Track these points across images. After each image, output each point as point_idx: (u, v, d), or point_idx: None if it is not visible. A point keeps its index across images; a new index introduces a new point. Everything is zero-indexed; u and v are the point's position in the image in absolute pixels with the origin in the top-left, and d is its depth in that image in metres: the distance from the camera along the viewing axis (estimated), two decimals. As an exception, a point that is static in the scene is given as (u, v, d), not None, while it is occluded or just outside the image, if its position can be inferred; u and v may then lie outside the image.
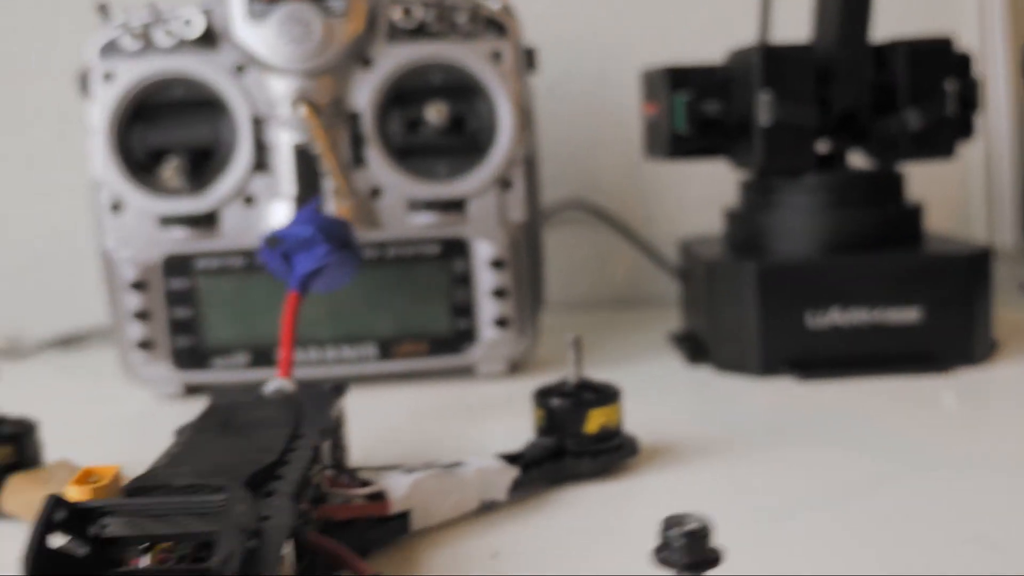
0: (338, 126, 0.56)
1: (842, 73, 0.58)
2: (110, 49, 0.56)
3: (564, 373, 0.43)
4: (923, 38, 0.58)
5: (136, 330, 0.57)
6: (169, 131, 0.56)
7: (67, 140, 0.79)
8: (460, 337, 0.58)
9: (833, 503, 0.38)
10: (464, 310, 0.58)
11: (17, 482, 0.42)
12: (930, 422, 0.48)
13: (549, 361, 0.61)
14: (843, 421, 0.48)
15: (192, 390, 0.59)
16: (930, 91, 0.58)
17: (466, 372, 0.60)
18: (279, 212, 0.56)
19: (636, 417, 0.45)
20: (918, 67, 0.58)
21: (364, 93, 0.56)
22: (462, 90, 0.57)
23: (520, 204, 0.58)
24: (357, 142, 0.57)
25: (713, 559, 0.22)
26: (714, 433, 0.47)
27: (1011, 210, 0.82)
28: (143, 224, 0.56)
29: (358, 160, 0.57)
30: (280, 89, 0.55)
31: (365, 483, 0.36)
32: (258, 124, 0.56)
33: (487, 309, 0.58)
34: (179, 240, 0.56)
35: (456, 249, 0.58)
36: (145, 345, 0.57)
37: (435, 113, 0.56)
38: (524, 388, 0.57)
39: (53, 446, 0.44)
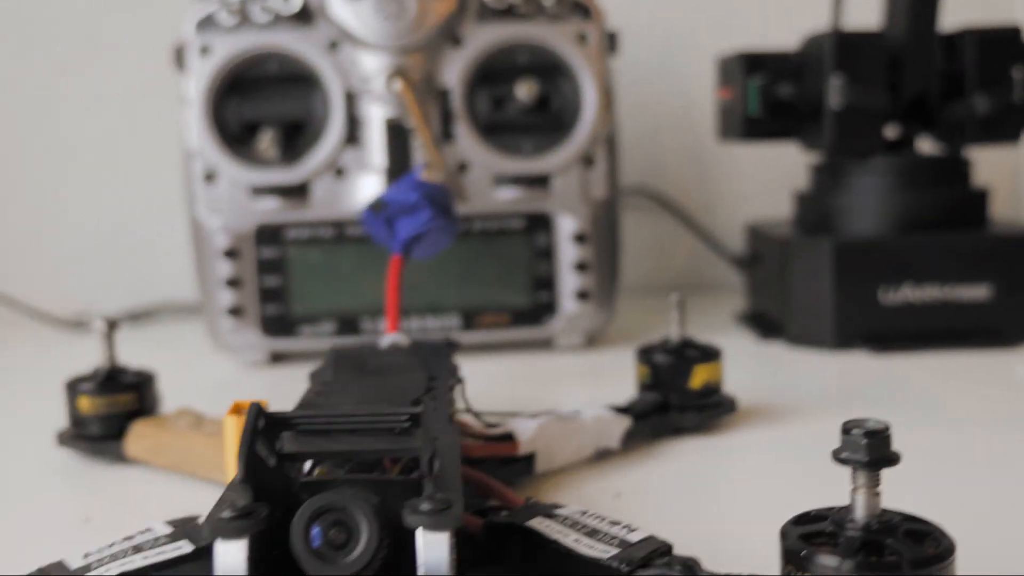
0: (429, 102, 0.58)
1: (912, 60, 0.60)
2: (207, 24, 0.58)
3: (666, 332, 0.44)
4: (992, 27, 0.60)
5: (226, 297, 0.58)
6: (263, 104, 0.58)
7: (139, 121, 0.81)
8: (541, 309, 0.60)
9: (917, 467, 0.39)
10: (546, 283, 0.60)
11: (140, 428, 0.43)
12: (999, 395, 0.49)
13: (623, 336, 0.63)
14: (918, 392, 0.50)
15: (277, 358, 0.60)
16: (998, 78, 0.59)
17: (545, 344, 0.61)
18: (369, 184, 0.58)
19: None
20: (987, 55, 0.60)
21: (454, 70, 0.58)
22: (548, 70, 0.59)
23: (602, 181, 0.59)
24: (446, 118, 0.58)
25: (893, 458, 0.23)
26: (798, 399, 0.49)
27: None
28: (236, 194, 0.58)
29: (447, 135, 0.58)
30: (373, 65, 0.57)
31: (492, 426, 0.38)
32: (350, 99, 0.58)
33: (568, 282, 0.59)
34: (271, 210, 0.58)
35: (540, 223, 0.59)
36: (235, 312, 0.59)
37: (526, 90, 0.58)
38: (602, 360, 0.59)
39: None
